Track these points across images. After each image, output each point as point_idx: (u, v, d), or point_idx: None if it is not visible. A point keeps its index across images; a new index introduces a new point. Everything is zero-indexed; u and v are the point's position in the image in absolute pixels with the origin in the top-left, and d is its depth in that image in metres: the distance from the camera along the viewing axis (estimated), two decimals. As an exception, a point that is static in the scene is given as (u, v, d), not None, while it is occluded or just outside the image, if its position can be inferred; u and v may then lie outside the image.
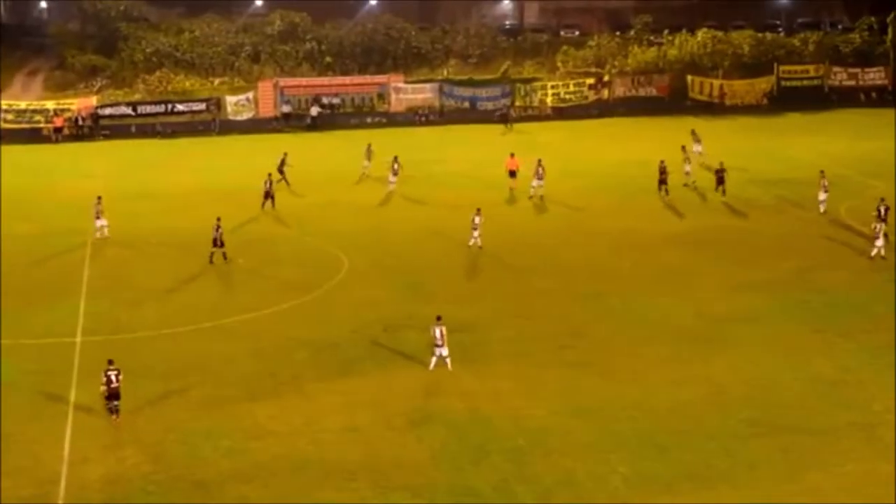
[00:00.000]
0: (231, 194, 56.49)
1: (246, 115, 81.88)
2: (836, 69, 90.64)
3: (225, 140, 77.24)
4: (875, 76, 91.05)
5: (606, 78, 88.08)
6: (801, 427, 29.67)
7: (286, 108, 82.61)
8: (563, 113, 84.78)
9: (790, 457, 28.02)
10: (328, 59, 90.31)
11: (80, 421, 30.29)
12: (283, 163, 58.42)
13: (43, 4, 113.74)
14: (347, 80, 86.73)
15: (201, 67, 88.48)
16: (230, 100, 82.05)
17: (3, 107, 78.44)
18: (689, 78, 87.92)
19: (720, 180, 54.93)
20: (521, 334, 37.07)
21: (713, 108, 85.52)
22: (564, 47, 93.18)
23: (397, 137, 75.13)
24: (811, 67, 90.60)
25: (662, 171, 55.83)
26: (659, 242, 48.29)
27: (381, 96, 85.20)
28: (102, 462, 27.97)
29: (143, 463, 27.92)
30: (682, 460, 27.89)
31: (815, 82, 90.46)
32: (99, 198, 49.77)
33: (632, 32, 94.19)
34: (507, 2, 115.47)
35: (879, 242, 44.92)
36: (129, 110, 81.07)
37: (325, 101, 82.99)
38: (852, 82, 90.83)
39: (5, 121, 77.79)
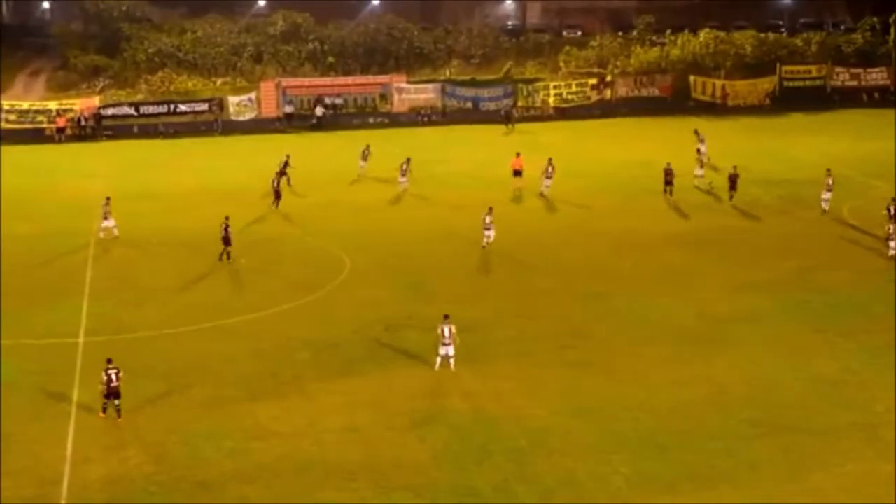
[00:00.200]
0: (233, 194, 56.49)
1: (248, 116, 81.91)
2: (838, 69, 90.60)
3: (227, 140, 77.26)
4: (877, 76, 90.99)
5: (609, 78, 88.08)
6: (802, 427, 29.68)
7: (289, 109, 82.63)
8: (565, 113, 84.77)
9: (791, 457, 28.03)
10: (331, 59, 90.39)
11: (82, 421, 30.31)
12: (286, 164, 58.32)
13: (45, 5, 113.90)
14: (350, 80, 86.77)
15: (204, 68, 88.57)
16: (233, 100, 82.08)
17: (6, 107, 78.53)
18: (692, 78, 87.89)
19: (733, 184, 54.52)
20: (522, 334, 37.09)
21: (715, 109, 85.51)
22: (567, 47, 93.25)
23: (400, 138, 75.24)
24: (813, 68, 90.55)
25: (668, 174, 55.59)
26: (660, 242, 48.29)
27: (383, 96, 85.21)
28: (104, 462, 27.99)
29: (145, 463, 27.94)
30: (683, 460, 27.91)
31: (818, 83, 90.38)
32: (107, 198, 49.79)
33: (634, 33, 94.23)
34: (509, 2, 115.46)
35: (893, 244, 44.92)
36: (131, 110, 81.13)
37: (327, 101, 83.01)
38: (855, 83, 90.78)
39: (8, 121, 77.86)
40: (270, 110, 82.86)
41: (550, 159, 56.77)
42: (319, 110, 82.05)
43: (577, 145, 71.61)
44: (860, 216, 51.51)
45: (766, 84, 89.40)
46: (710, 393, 32.05)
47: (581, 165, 61.15)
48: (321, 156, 68.34)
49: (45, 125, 78.51)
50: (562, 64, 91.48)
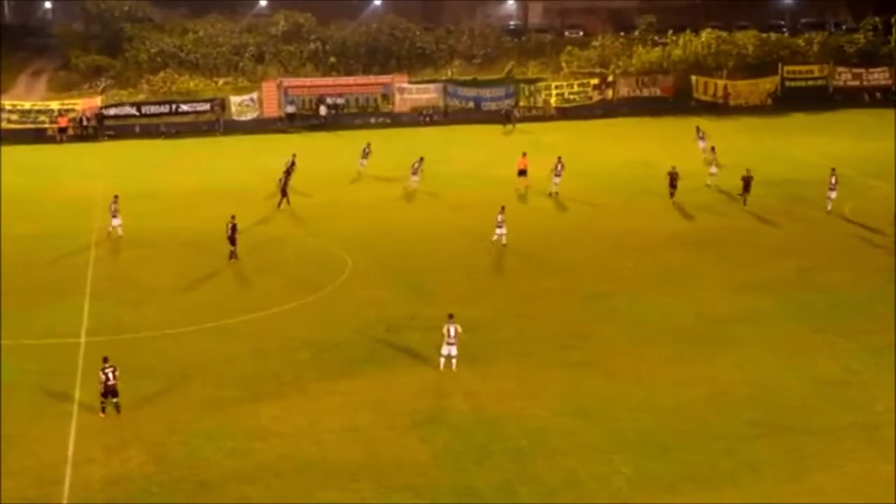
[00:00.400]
0: (235, 195, 56.45)
1: (250, 116, 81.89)
2: (840, 69, 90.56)
3: (229, 140, 77.24)
4: (879, 76, 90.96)
5: (610, 78, 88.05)
6: (803, 427, 29.71)
7: (290, 109, 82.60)
8: (567, 113, 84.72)
9: (792, 457, 28.06)
10: (332, 59, 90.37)
11: (83, 421, 30.34)
12: (292, 164, 58.26)
13: (47, 5, 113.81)
14: (351, 80, 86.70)
15: (205, 68, 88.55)
16: (234, 100, 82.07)
17: (8, 107, 78.53)
18: (694, 78, 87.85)
19: (747, 187, 53.98)
20: (523, 334, 37.10)
21: (717, 109, 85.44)
22: (568, 47, 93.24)
23: (401, 138, 75.30)
24: (815, 68, 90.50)
25: (673, 178, 55.18)
26: (661, 242, 48.29)
27: (385, 97, 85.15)
28: (105, 463, 28.03)
29: (145, 464, 27.97)
30: (684, 461, 27.94)
31: (820, 82, 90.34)
32: (115, 196, 49.89)
33: (636, 33, 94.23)
34: (510, 2, 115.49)
35: None
36: (133, 111, 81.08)
37: (329, 101, 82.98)
38: (856, 82, 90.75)
39: (9, 121, 77.82)
40: (272, 110, 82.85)
41: (560, 158, 56.98)
42: (323, 110, 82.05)
43: (579, 145, 71.58)
44: (861, 216, 51.52)
45: (768, 84, 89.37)
46: (710, 393, 32.06)
47: (583, 165, 61.10)
48: (322, 156, 68.32)
49: (46, 125, 78.47)
50: (563, 64, 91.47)
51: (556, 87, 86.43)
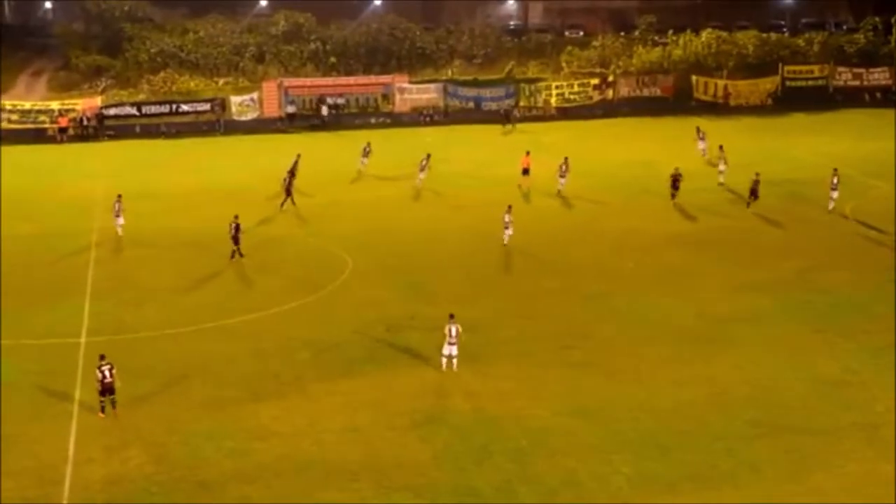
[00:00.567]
0: (235, 195, 56.42)
1: (250, 116, 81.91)
2: (840, 69, 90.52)
3: (229, 140, 77.24)
4: (879, 76, 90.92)
5: (611, 78, 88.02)
6: (803, 427, 29.71)
7: (291, 109, 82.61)
8: (567, 113, 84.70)
9: (792, 457, 28.06)
10: (332, 59, 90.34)
11: (83, 421, 30.36)
12: (295, 165, 58.25)
13: (47, 5, 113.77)
14: (352, 80, 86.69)
15: (206, 68, 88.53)
16: (235, 100, 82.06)
17: (8, 107, 78.54)
18: (694, 78, 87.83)
19: (754, 191, 53.52)
20: (523, 334, 37.11)
21: (717, 109, 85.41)
22: (569, 47, 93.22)
23: (402, 137, 75.32)
24: (815, 68, 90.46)
25: (676, 179, 55.07)
26: (662, 242, 48.28)
27: (385, 97, 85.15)
28: (105, 463, 28.04)
29: (145, 464, 27.98)
30: (684, 461, 27.94)
31: (820, 82, 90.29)
32: (119, 196, 49.94)
33: (636, 33, 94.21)
34: (511, 2, 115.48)
35: None
36: (133, 111, 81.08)
37: (329, 101, 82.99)
38: (857, 82, 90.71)
39: (10, 121, 77.83)
40: (272, 110, 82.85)
41: (566, 158, 57.24)
42: (325, 111, 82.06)
43: (579, 145, 71.52)
44: (861, 216, 51.51)
45: (769, 84, 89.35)
46: (710, 393, 32.07)
47: (583, 165, 61.04)
48: (323, 156, 68.25)
49: (47, 125, 78.48)
50: (564, 64, 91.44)
51: (557, 87, 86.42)
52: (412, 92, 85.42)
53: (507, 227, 47.16)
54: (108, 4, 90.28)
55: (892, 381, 32.29)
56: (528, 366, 34.25)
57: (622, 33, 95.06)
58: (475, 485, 26.85)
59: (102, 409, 30.53)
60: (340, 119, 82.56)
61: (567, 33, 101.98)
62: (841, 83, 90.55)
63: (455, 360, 33.56)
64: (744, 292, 41.10)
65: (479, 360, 34.36)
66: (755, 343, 35.97)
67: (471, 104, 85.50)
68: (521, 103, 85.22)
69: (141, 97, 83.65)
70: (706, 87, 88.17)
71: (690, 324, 38.02)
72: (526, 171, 57.53)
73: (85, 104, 79.88)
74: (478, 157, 67.84)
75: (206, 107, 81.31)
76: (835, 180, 52.74)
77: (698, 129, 67.29)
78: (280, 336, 36.98)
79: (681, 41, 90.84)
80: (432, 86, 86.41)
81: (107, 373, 30.35)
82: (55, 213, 54.83)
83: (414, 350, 35.30)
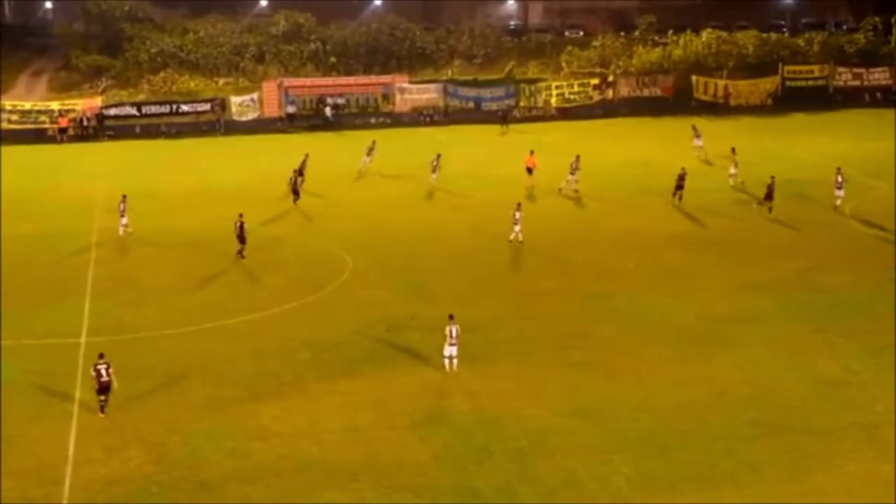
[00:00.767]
0: (235, 195, 56.41)
1: (250, 116, 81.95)
2: (840, 69, 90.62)
3: (229, 140, 77.27)
4: (879, 76, 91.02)
5: (611, 78, 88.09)
6: (803, 427, 29.70)
7: (291, 109, 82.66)
8: (567, 113, 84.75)
9: (793, 457, 28.05)
10: (332, 59, 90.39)
11: (83, 421, 30.34)
12: (303, 164, 58.28)
13: (47, 5, 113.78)
14: (352, 80, 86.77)
15: (206, 68, 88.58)
16: (235, 100, 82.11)
17: (8, 107, 78.62)
18: (694, 78, 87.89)
19: (769, 195, 53.10)
20: (523, 334, 37.10)
21: (717, 109, 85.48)
22: (569, 48, 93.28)
23: (402, 138, 75.33)
24: (815, 68, 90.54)
25: (681, 179, 54.96)
26: (662, 242, 48.28)
27: (385, 97, 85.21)
28: (105, 463, 28.02)
29: (146, 464, 27.96)
30: (684, 461, 27.93)
31: (820, 82, 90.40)
32: (124, 196, 49.96)
33: (636, 33, 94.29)
34: (511, 2, 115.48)
35: None
36: (133, 111, 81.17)
37: (329, 101, 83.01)
38: (857, 82, 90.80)
39: (10, 121, 77.90)
40: (272, 110, 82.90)
41: (578, 156, 57.38)
42: (328, 110, 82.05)
43: (579, 145, 71.19)
44: (861, 216, 51.52)
45: (769, 84, 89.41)
46: (711, 393, 32.06)
47: (583, 165, 60.88)
48: (323, 156, 68.09)
49: (47, 125, 78.57)
50: (564, 64, 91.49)
51: (557, 87, 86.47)
52: (412, 92, 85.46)
53: (515, 224, 47.10)
54: (108, 4, 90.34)
55: (892, 381, 32.28)
56: (528, 366, 34.24)
57: (622, 33, 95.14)
58: (475, 485, 26.84)
59: (102, 409, 30.55)
60: (340, 119, 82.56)
61: (567, 33, 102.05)
62: (841, 83, 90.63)
63: (455, 361, 33.56)
64: (744, 292, 41.10)
65: (479, 360, 34.35)
66: (755, 343, 35.96)
67: (471, 104, 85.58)
68: (522, 103, 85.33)
69: (141, 97, 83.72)
70: (706, 87, 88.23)
71: (691, 324, 38.01)
72: (530, 171, 57.55)
73: (85, 104, 79.94)
74: (478, 157, 67.83)
75: (207, 107, 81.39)
76: (839, 179, 52.80)
77: (694, 128, 67.39)
78: (280, 336, 36.97)
79: (681, 41, 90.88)
80: (432, 86, 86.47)
81: (103, 371, 30.33)
82: (55, 213, 54.84)
83: (414, 350, 35.29)
